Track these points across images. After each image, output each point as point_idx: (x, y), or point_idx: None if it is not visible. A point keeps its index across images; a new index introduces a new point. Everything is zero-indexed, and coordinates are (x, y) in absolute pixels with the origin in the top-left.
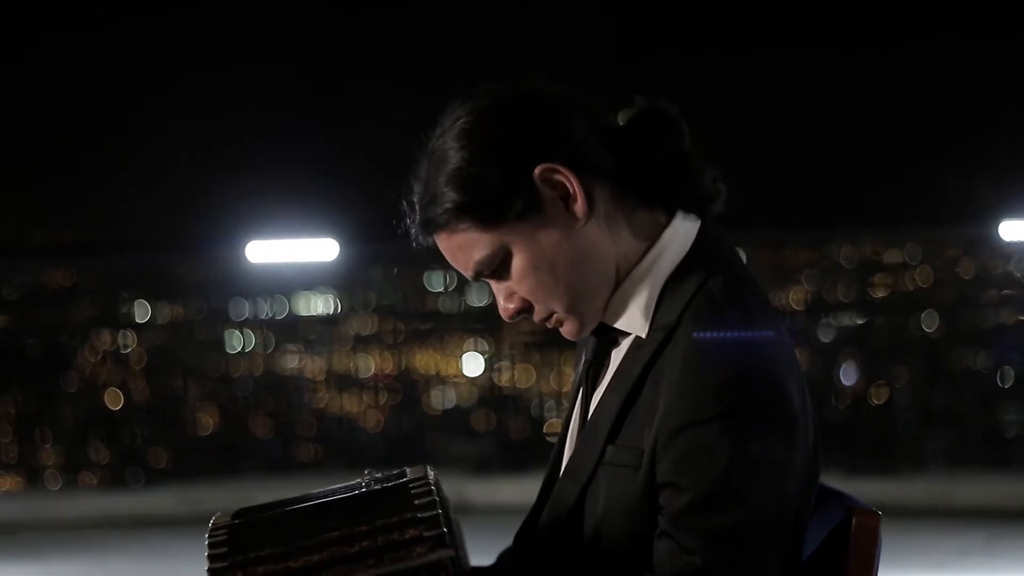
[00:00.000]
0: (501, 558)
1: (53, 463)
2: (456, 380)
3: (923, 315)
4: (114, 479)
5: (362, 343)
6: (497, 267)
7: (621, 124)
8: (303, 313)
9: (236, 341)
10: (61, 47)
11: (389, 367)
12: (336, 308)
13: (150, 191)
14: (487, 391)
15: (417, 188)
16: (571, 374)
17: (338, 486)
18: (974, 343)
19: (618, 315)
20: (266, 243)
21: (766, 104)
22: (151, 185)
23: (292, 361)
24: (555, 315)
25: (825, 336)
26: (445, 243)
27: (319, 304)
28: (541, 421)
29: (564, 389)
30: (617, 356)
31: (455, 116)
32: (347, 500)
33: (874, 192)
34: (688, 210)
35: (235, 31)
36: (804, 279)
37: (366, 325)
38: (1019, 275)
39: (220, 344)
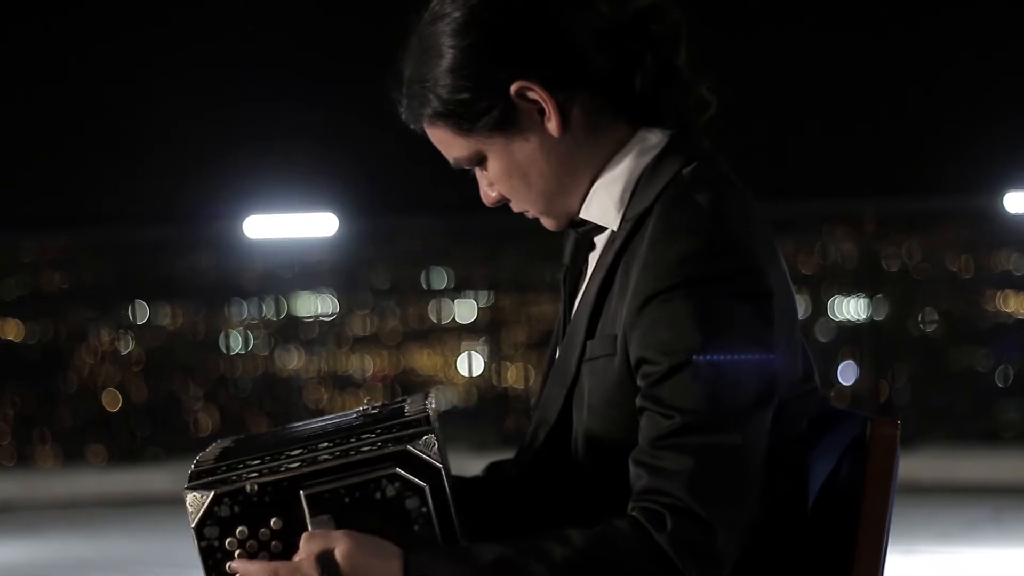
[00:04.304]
0: (491, 467)
1: (51, 465)
2: (455, 380)
3: (922, 312)
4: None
5: (361, 343)
6: (476, 164)
7: (624, 19)
8: (302, 314)
9: (235, 341)
10: (55, 21)
11: (388, 367)
12: (335, 308)
13: (148, 165)
14: (486, 391)
15: (406, 68)
16: None
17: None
18: (974, 341)
19: (591, 209)
20: (264, 218)
21: (764, 78)
22: (149, 159)
23: (291, 361)
24: (530, 212)
25: (824, 335)
26: (429, 133)
27: (318, 304)
28: None
29: None
30: (594, 259)
31: (451, 5)
32: (341, 423)
33: (876, 165)
34: (669, 127)
35: (234, 3)
36: (802, 280)
37: (365, 325)
38: (1019, 274)
39: (219, 344)
